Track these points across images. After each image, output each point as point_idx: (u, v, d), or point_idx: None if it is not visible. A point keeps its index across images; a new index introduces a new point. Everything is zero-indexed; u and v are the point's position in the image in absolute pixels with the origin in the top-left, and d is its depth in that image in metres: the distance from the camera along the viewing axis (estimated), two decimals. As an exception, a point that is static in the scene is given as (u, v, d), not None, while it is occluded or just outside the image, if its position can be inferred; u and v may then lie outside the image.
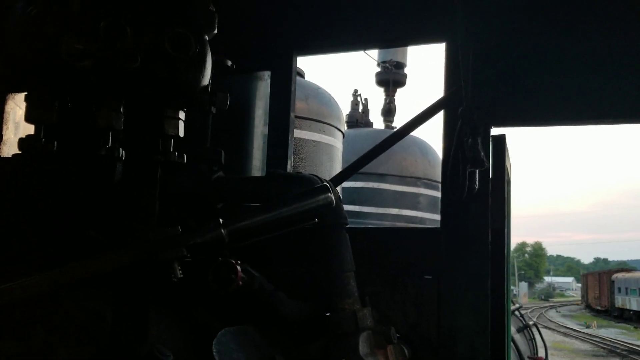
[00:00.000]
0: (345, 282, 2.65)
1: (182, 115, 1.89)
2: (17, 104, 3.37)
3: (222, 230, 1.56)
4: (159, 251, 1.51)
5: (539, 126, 3.07)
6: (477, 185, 2.67)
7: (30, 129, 2.10)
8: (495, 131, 2.97)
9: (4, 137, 3.38)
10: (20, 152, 2.55)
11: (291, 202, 1.60)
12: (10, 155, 2.61)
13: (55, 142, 1.79)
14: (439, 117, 3.08)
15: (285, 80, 3.33)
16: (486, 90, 2.83)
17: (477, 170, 2.68)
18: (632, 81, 2.79)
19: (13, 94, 3.33)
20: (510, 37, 2.92)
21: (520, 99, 2.91)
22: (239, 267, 2.56)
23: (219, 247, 1.56)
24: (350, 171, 3.35)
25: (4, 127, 3.41)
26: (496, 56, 2.87)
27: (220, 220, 1.59)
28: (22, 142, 1.75)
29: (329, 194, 1.60)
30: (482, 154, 2.60)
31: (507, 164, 3.14)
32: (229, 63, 2.69)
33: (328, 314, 2.63)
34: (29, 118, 1.75)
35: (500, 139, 3.00)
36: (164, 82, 1.78)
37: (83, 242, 2.42)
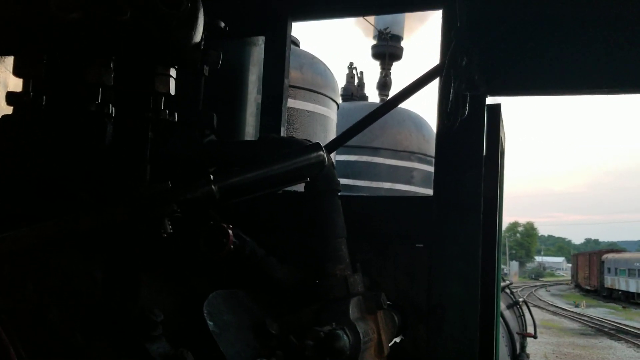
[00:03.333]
0: (336, 247, 2.65)
1: (173, 72, 1.86)
2: (7, 68, 3.32)
3: (213, 187, 1.55)
4: (149, 206, 1.49)
5: (536, 95, 3.05)
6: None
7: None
8: (490, 100, 2.95)
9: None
10: (8, 115, 2.52)
11: (283, 160, 1.58)
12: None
13: (44, 97, 1.76)
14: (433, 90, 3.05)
15: (280, 46, 3.28)
16: (482, 58, 2.80)
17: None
18: (633, 50, 2.76)
19: (1, 57, 3.27)
20: (507, 3, 2.88)
21: (517, 68, 2.88)
22: (230, 232, 2.55)
23: (210, 204, 1.55)
24: (341, 140, 3.32)
25: (-8, 92, 3.36)
26: (492, 23, 2.83)
27: (211, 176, 1.57)
28: (10, 96, 1.72)
29: (321, 152, 1.58)
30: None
31: (501, 134, 3.12)
32: (222, 25, 2.65)
33: (319, 280, 2.64)
34: (16, 72, 1.72)
35: (495, 108, 2.97)
36: (154, 37, 1.74)
37: (73, 203, 2.40)
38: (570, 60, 2.84)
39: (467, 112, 2.59)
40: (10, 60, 3.25)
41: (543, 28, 2.87)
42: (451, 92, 2.57)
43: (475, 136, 2.90)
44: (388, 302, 2.73)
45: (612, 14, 2.79)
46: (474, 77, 2.63)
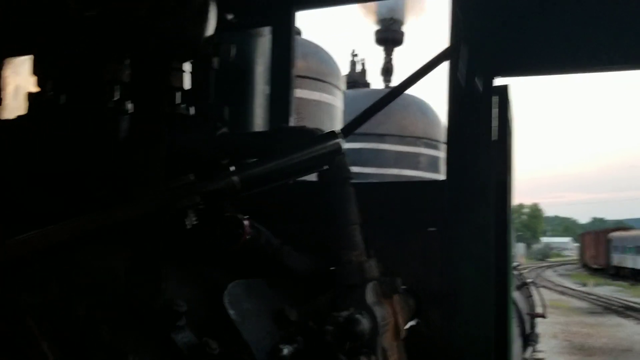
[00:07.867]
0: (351, 234, 2.67)
1: (187, 67, 1.88)
2: (15, 70, 3.34)
3: (234, 178, 1.58)
4: (175, 199, 1.52)
5: (545, 75, 3.05)
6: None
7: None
8: (498, 81, 2.95)
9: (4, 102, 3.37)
10: (22, 114, 2.55)
11: (302, 149, 1.61)
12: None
13: (63, 96, 1.79)
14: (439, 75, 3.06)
15: (286, 36, 3.30)
16: (490, 39, 2.81)
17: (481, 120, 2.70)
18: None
19: (11, 58, 3.29)
20: None
21: (525, 47, 2.88)
22: (246, 222, 2.59)
23: (232, 195, 1.58)
24: (350, 128, 3.33)
25: (3, 93, 3.39)
26: (500, 3, 2.83)
27: (232, 168, 1.60)
28: (30, 97, 1.75)
29: (338, 140, 1.61)
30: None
31: (510, 115, 3.13)
32: (230, 17, 2.67)
33: (335, 267, 2.67)
34: (36, 71, 1.75)
35: (504, 89, 2.98)
36: (168, 33, 1.77)
37: (91, 201, 2.44)
38: (579, 38, 2.83)
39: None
40: (18, 61, 3.28)
41: (550, 6, 2.86)
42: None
43: (484, 118, 2.92)
44: (403, 287, 2.77)
45: None
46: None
